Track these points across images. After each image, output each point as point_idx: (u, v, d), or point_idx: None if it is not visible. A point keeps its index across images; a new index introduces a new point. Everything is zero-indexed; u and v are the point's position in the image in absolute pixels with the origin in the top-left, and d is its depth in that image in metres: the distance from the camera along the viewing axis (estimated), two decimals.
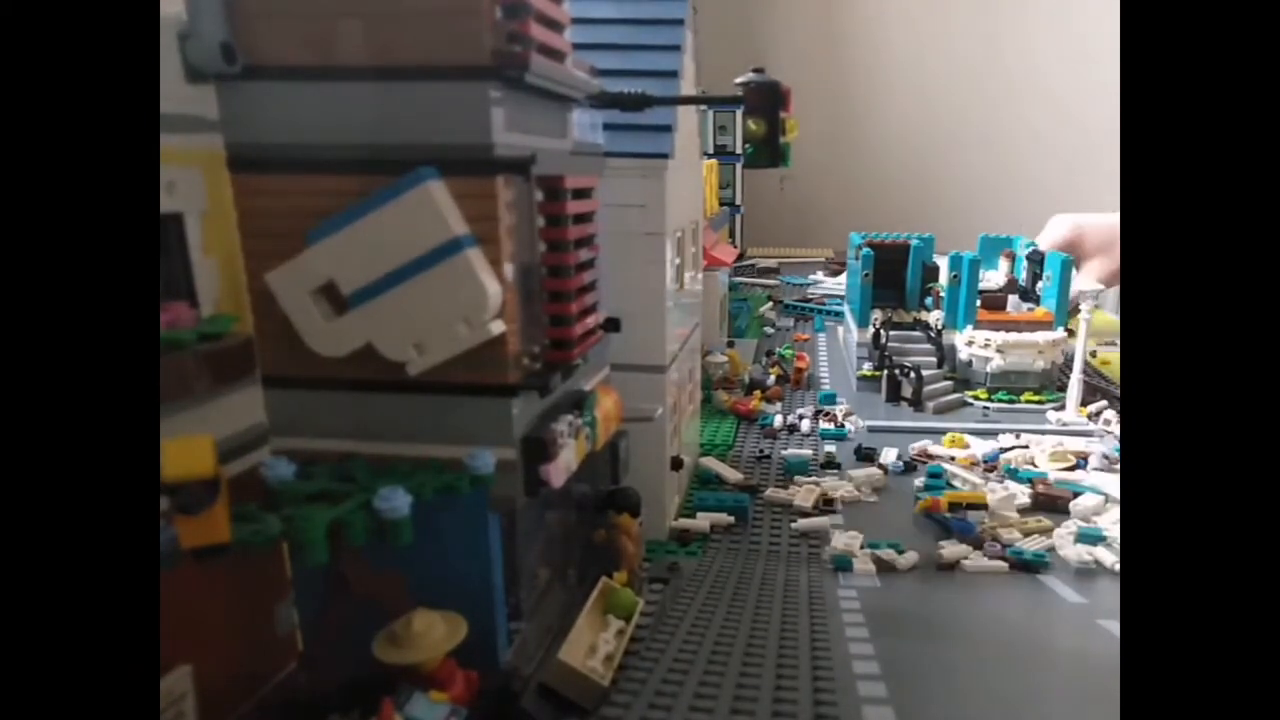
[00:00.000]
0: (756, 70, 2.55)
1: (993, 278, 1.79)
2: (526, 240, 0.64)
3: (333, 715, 0.57)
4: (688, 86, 1.02)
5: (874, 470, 1.21)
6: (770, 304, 2.44)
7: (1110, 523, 1.03)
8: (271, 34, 0.58)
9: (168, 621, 0.41)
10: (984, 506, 1.05)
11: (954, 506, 1.05)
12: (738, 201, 2.77)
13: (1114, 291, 2.23)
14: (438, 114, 0.58)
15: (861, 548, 0.97)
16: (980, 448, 1.29)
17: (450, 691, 0.58)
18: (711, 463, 1.22)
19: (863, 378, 1.64)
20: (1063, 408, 1.48)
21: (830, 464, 1.24)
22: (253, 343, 0.60)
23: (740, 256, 2.81)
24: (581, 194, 0.71)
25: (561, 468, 0.66)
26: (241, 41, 0.57)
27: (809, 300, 2.47)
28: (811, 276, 2.86)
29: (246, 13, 0.57)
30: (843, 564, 0.94)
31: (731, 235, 2.62)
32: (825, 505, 1.11)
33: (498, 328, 0.60)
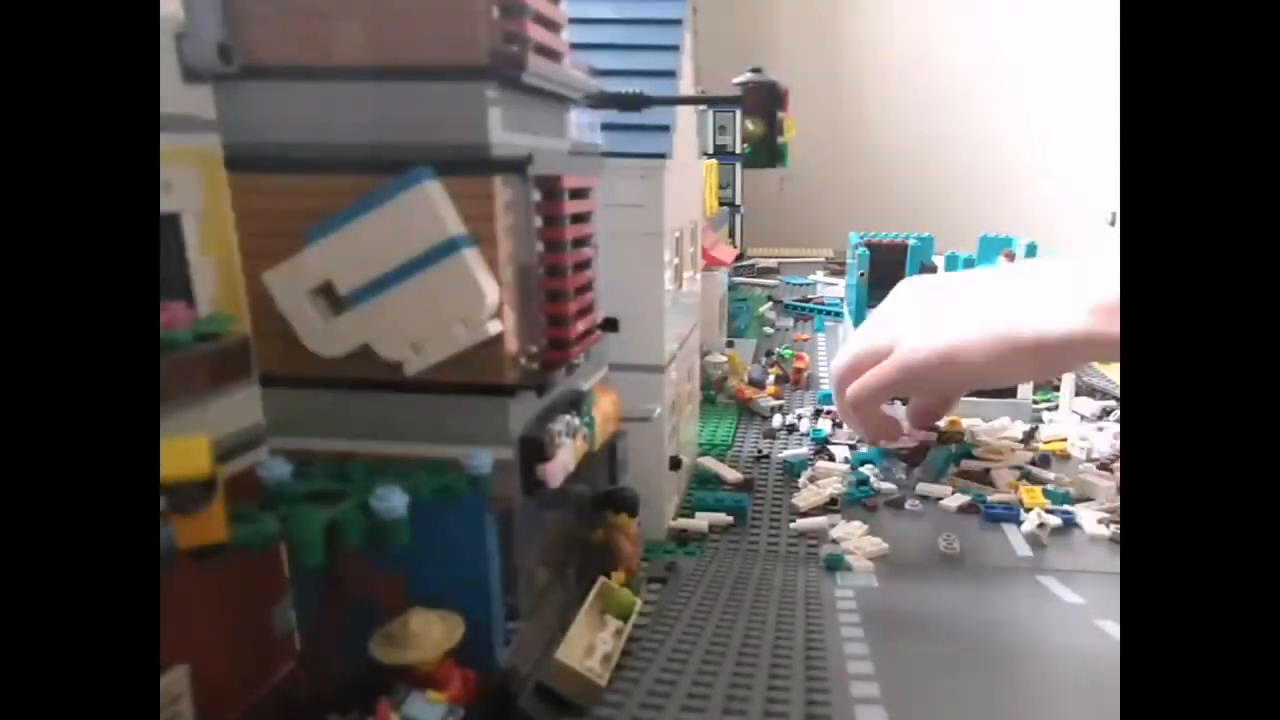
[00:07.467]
0: (755, 70, 2.55)
1: None
2: (524, 240, 0.64)
3: (330, 715, 0.57)
4: (686, 86, 1.02)
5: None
6: (770, 304, 2.43)
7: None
8: (269, 34, 0.58)
9: (164, 622, 0.41)
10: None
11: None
12: (737, 201, 2.77)
13: None
14: (435, 114, 0.58)
15: (860, 536, 0.98)
16: None
17: (448, 691, 0.58)
18: (710, 462, 1.22)
19: None
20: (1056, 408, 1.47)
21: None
22: (250, 343, 0.60)
23: (740, 256, 2.81)
24: (579, 194, 0.71)
25: (559, 468, 0.66)
26: (239, 41, 0.57)
27: (809, 300, 2.47)
28: (811, 276, 2.85)
29: (244, 13, 0.57)
30: (835, 563, 0.93)
31: (731, 235, 2.62)
32: (827, 504, 1.11)
33: (495, 328, 0.60)
